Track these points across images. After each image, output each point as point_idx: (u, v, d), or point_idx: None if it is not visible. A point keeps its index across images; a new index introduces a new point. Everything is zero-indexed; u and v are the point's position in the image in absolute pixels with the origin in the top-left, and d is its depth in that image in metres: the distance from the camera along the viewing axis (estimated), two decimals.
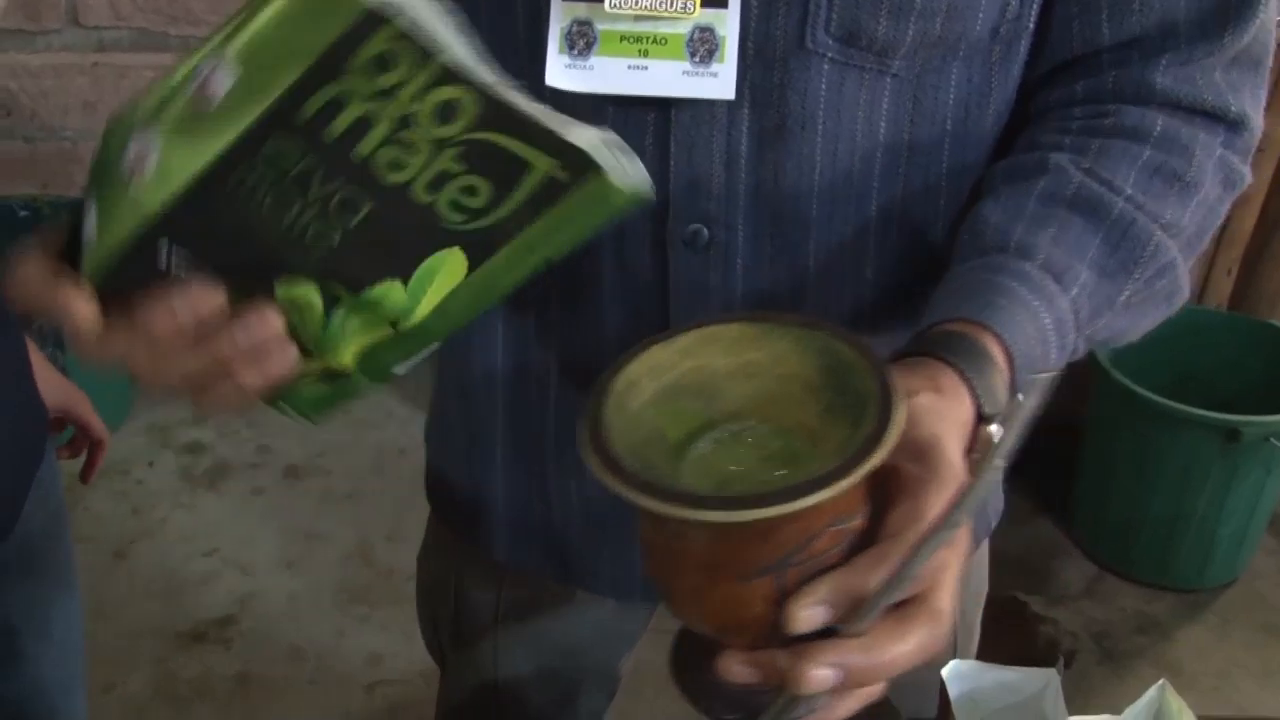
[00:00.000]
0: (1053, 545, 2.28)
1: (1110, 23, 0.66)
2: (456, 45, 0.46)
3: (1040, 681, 0.73)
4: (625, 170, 0.50)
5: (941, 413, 0.54)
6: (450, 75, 0.46)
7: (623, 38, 0.62)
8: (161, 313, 0.50)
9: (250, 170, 0.47)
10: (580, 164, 0.49)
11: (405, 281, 0.50)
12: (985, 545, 0.91)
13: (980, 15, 0.64)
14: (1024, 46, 0.68)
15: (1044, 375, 0.45)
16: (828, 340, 0.51)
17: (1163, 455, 2.06)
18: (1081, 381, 2.18)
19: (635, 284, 0.72)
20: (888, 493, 0.51)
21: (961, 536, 0.51)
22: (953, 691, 0.74)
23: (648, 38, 0.62)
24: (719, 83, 0.62)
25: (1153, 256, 0.64)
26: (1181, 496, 2.07)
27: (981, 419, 0.57)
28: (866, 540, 0.50)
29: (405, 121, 0.47)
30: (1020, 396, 0.44)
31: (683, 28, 0.61)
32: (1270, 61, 0.69)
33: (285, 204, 0.48)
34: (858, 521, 0.49)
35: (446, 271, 0.50)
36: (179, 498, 2.36)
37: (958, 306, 0.62)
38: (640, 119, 0.66)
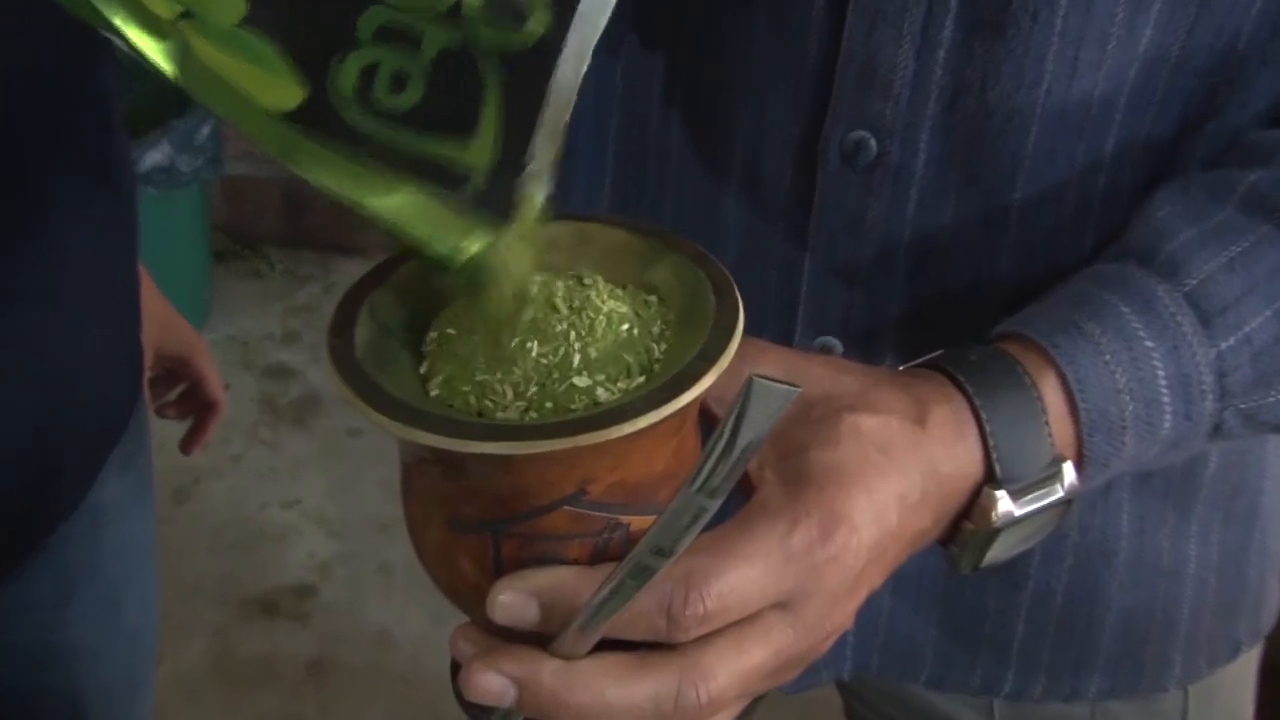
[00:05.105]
0: None
1: None
2: None
3: None
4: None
5: (888, 447, 0.51)
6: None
7: None
8: None
9: None
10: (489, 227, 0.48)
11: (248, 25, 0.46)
12: (1250, 665, 0.83)
13: None
14: None
15: (781, 386, 0.39)
16: (702, 285, 0.51)
17: None
18: None
19: (767, 205, 0.69)
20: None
21: (805, 607, 0.49)
22: None
23: None
24: None
25: None
26: None
27: (991, 478, 0.54)
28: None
29: None
30: (740, 410, 0.40)
31: None
32: None
33: None
34: (627, 519, 0.49)
35: (272, 83, 0.46)
36: (258, 432, 2.40)
37: (1030, 320, 0.57)
38: None
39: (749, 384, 0.39)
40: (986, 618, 0.76)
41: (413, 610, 2.07)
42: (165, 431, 1.19)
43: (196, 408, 1.19)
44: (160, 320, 1.10)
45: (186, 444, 1.22)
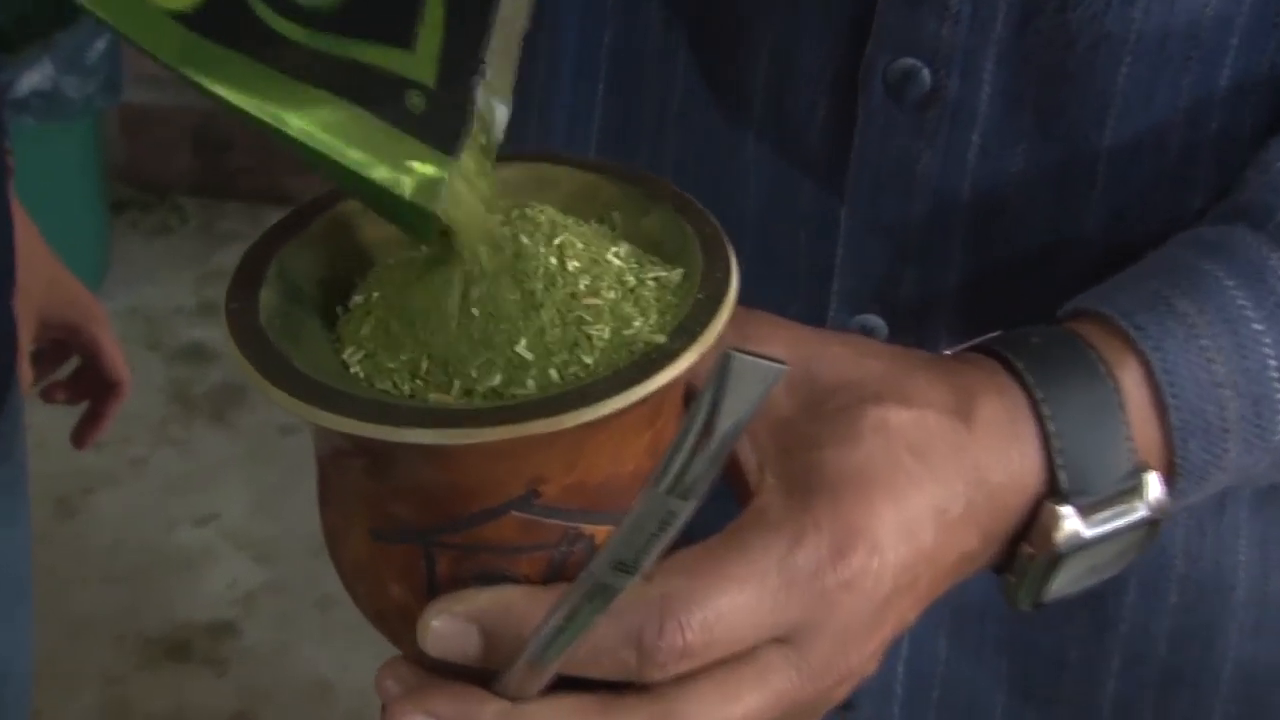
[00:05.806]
0: None
1: None
2: None
3: None
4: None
5: (923, 448, 0.52)
6: None
7: None
8: None
9: None
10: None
11: None
12: None
13: None
14: None
15: (766, 362, 0.40)
16: (689, 243, 0.52)
17: None
18: None
19: (795, 149, 0.69)
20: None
21: (808, 635, 0.50)
22: None
23: None
24: None
25: None
26: None
27: (1054, 491, 0.54)
28: None
29: None
30: (715, 392, 0.41)
31: None
32: None
33: None
34: (589, 529, 0.50)
35: None
36: (166, 429, 2.41)
37: (1109, 295, 0.58)
38: None
39: (726, 360, 0.40)
40: (1067, 668, 0.76)
41: (358, 654, 2.07)
42: (46, 425, 1.20)
43: (94, 389, 1.19)
44: (47, 279, 1.10)
45: (80, 434, 1.22)
